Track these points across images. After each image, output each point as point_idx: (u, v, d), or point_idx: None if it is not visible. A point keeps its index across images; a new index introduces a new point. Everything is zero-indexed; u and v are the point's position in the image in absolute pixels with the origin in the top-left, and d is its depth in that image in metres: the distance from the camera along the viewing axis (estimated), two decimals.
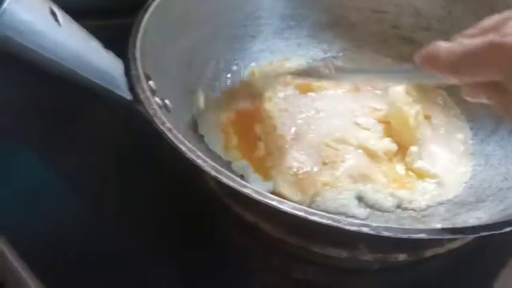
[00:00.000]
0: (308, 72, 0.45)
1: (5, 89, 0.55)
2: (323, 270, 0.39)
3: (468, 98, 0.31)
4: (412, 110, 0.44)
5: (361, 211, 0.40)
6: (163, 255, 0.40)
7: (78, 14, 0.51)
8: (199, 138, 0.43)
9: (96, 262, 0.40)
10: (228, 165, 0.42)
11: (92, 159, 0.48)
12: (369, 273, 0.39)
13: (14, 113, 0.53)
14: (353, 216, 0.39)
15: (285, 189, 0.40)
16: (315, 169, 0.42)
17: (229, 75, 0.51)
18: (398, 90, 0.45)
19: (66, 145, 0.49)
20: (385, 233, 0.27)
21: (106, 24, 0.55)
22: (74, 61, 0.31)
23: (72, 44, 0.31)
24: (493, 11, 0.47)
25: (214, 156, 0.42)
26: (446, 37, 0.51)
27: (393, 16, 0.55)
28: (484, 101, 0.29)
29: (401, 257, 0.37)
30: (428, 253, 0.37)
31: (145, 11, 0.42)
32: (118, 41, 0.39)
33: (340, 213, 0.39)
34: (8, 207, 0.44)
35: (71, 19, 0.32)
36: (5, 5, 0.27)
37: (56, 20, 0.30)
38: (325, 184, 0.41)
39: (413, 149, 0.44)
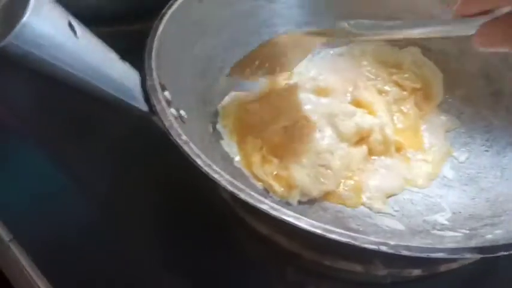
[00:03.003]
0: (331, 33, 0.44)
1: (17, 89, 0.56)
2: (336, 284, 0.39)
3: (481, 48, 0.30)
4: None
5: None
6: (174, 263, 0.40)
7: (92, 21, 0.52)
8: (215, 149, 0.43)
9: (105, 263, 0.40)
10: (243, 175, 0.42)
11: (103, 161, 0.48)
12: (383, 287, 0.39)
13: (27, 113, 0.53)
14: None
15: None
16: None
17: (243, 83, 0.51)
18: None
19: (78, 146, 0.49)
20: (404, 252, 0.27)
21: (121, 30, 0.55)
22: (91, 73, 0.31)
23: (90, 56, 0.31)
24: None
25: (229, 166, 0.42)
26: (462, 44, 0.51)
27: None
28: (499, 48, 0.29)
29: (416, 272, 0.36)
30: (442, 268, 0.37)
31: (161, 19, 0.42)
32: (133, 47, 0.39)
33: None
34: (18, 207, 0.45)
35: (88, 31, 0.31)
36: (24, 18, 0.27)
37: (74, 32, 0.30)
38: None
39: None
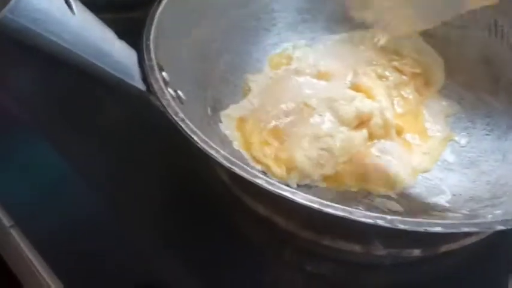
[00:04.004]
0: None
1: (24, 82, 0.56)
2: (336, 264, 0.39)
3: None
4: None
5: None
6: (175, 248, 0.40)
7: (91, 7, 0.52)
8: (213, 131, 0.43)
9: (106, 248, 0.40)
10: (242, 157, 0.42)
11: (108, 153, 0.48)
12: (382, 268, 0.39)
13: (33, 105, 0.53)
14: None
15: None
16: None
17: (242, 68, 0.51)
18: None
19: (83, 138, 0.49)
20: (401, 226, 0.27)
21: (119, 17, 0.55)
22: (89, 50, 0.31)
23: (87, 33, 0.31)
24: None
25: (227, 148, 0.42)
26: (465, 32, 0.51)
27: None
28: None
29: (416, 252, 0.36)
30: (443, 249, 0.37)
31: (160, 1, 0.42)
32: (131, 34, 0.39)
33: None
34: (19, 194, 0.45)
35: (85, 8, 0.32)
36: None
37: (71, 8, 0.30)
38: None
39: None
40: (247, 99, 0.47)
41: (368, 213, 0.28)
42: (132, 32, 0.39)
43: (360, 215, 0.27)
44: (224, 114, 0.45)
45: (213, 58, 0.48)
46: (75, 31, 0.30)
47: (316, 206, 0.28)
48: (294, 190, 0.29)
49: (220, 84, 0.47)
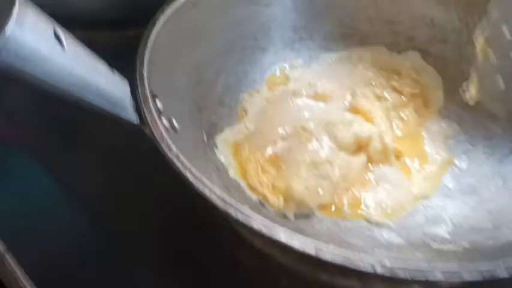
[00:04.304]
0: None
1: (13, 98, 0.55)
2: None
3: None
4: None
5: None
6: (166, 275, 0.40)
7: (86, 25, 0.51)
8: (209, 158, 0.42)
9: (99, 274, 0.40)
10: (239, 186, 0.41)
11: (96, 171, 0.47)
12: None
13: (20, 123, 0.52)
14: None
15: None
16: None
17: (238, 90, 0.50)
18: None
19: (71, 157, 0.49)
20: (401, 274, 0.26)
21: (115, 35, 0.55)
22: (79, 86, 0.30)
23: (77, 68, 0.30)
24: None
25: (223, 177, 0.41)
26: (464, 51, 0.50)
27: (407, 27, 0.53)
28: None
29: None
30: (444, 285, 0.36)
31: (154, 24, 0.41)
32: (128, 52, 0.38)
33: None
34: (11, 218, 0.44)
35: (75, 40, 0.31)
36: (8, 31, 0.26)
37: (60, 43, 0.29)
38: None
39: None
40: (243, 123, 0.46)
41: (367, 258, 0.27)
42: (129, 51, 0.38)
43: (357, 260, 0.26)
44: (220, 139, 0.44)
45: (209, 80, 0.47)
46: (65, 68, 0.29)
47: (312, 252, 0.27)
48: (291, 232, 0.28)
49: (216, 107, 0.47)
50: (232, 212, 0.29)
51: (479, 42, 0.43)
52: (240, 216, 0.29)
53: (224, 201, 0.29)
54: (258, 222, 0.28)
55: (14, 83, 0.54)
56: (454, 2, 0.49)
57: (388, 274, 0.26)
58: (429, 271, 0.26)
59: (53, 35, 0.29)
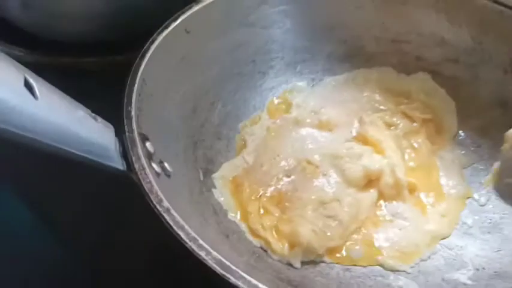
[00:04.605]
0: None
1: None
2: None
3: None
4: None
5: None
6: None
7: (76, 50, 0.48)
8: (206, 200, 0.38)
9: None
10: (239, 230, 0.37)
11: (90, 218, 0.44)
12: None
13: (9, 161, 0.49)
14: None
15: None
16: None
17: (237, 119, 0.46)
18: None
19: (58, 193, 0.45)
20: None
21: (106, 60, 0.51)
22: (56, 136, 0.27)
23: (53, 117, 0.27)
24: None
25: (221, 220, 0.37)
26: (477, 71, 0.47)
27: (416, 47, 0.50)
28: None
29: None
30: None
31: (143, 57, 0.38)
32: (118, 77, 0.35)
33: None
34: None
35: (50, 87, 0.27)
36: None
37: (32, 92, 0.25)
38: None
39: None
40: (242, 156, 0.43)
41: None
42: (117, 79, 0.35)
43: None
44: (217, 176, 0.41)
45: (204, 111, 0.43)
46: (38, 118, 0.26)
47: None
48: None
49: (213, 140, 0.43)
50: (231, 279, 0.25)
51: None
52: (240, 284, 0.25)
53: (221, 264, 0.26)
54: None
55: None
56: (465, 20, 0.46)
57: None
58: None
59: (23, 85, 0.25)
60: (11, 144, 0.27)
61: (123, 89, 0.35)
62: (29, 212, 0.45)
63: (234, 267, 0.26)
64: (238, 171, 0.42)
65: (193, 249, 0.27)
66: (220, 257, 0.26)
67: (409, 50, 0.50)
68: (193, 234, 0.27)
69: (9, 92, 0.24)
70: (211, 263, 0.26)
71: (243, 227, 0.38)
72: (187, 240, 0.27)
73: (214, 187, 0.40)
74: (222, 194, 0.39)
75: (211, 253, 0.26)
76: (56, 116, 0.27)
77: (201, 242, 0.27)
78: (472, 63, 0.47)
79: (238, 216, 0.38)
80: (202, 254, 0.26)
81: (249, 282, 0.25)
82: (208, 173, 0.41)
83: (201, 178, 0.39)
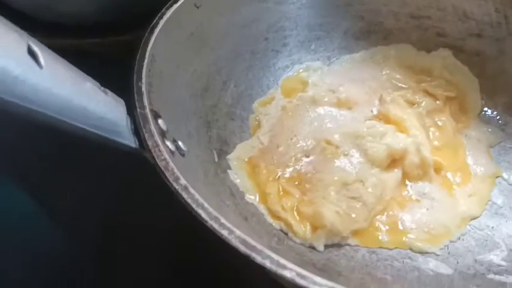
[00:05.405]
0: None
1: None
2: None
3: None
4: None
5: None
6: None
7: (77, 31, 0.46)
8: (222, 182, 0.36)
9: None
10: (257, 213, 0.35)
11: (92, 197, 0.42)
12: None
13: (5, 147, 0.47)
14: None
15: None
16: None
17: (250, 98, 0.44)
18: None
19: (63, 181, 0.43)
20: None
21: (108, 41, 0.49)
22: (62, 109, 0.25)
23: (58, 88, 0.25)
24: None
25: (239, 203, 0.35)
26: (503, 46, 0.44)
27: (437, 22, 0.47)
28: None
29: None
30: None
31: (152, 32, 0.35)
32: (122, 59, 0.33)
33: None
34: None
35: (56, 57, 0.25)
36: None
37: (36, 61, 0.23)
38: None
39: None
40: (257, 137, 0.41)
41: None
42: (122, 59, 0.33)
43: None
44: (232, 157, 0.38)
45: (217, 90, 0.41)
46: (42, 88, 0.24)
47: None
48: (333, 285, 0.22)
49: (227, 121, 0.41)
50: (257, 258, 0.23)
51: None
52: (269, 265, 0.23)
53: (247, 245, 0.24)
54: (293, 272, 0.23)
55: None
56: None
57: None
58: None
59: (27, 52, 0.23)
60: (14, 119, 0.25)
61: (128, 69, 0.33)
62: (30, 200, 0.43)
63: (259, 246, 0.24)
64: (253, 152, 0.39)
65: (214, 229, 0.25)
66: (244, 236, 0.24)
67: (429, 26, 0.47)
68: (214, 212, 0.25)
69: (12, 60, 0.22)
70: (235, 242, 0.24)
71: (262, 209, 0.36)
72: (207, 219, 0.25)
73: (230, 168, 0.38)
74: (238, 176, 0.37)
75: (234, 232, 0.24)
76: (62, 87, 0.25)
77: (223, 220, 0.25)
78: (497, 37, 0.45)
79: (257, 199, 0.36)
80: (224, 233, 0.24)
81: (277, 262, 0.23)
82: (222, 154, 0.39)
83: (216, 159, 0.37)
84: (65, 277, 0.39)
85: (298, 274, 0.23)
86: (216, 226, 0.25)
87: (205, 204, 0.26)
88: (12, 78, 0.22)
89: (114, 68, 0.34)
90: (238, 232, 0.24)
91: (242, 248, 0.24)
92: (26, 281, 0.38)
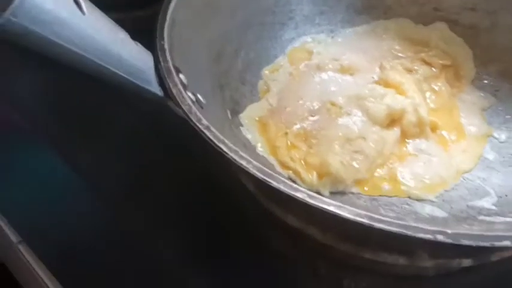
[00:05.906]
0: None
1: (21, 88, 0.53)
2: (375, 277, 0.36)
3: None
4: None
5: None
6: (196, 260, 0.37)
7: (103, 7, 0.49)
8: (236, 136, 0.39)
9: (116, 264, 0.38)
10: (268, 163, 0.39)
11: (118, 162, 0.45)
12: (426, 280, 0.36)
13: (32, 112, 0.50)
14: None
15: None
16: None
17: (259, 66, 0.47)
18: None
19: (87, 145, 0.47)
20: (465, 242, 0.24)
21: (130, 16, 0.52)
22: (100, 54, 0.28)
23: (98, 34, 0.28)
24: None
25: (252, 154, 0.39)
26: (495, 18, 0.48)
27: None
28: None
29: (466, 262, 0.33)
30: (495, 257, 0.33)
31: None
32: (143, 33, 0.36)
33: None
34: (26, 209, 0.43)
35: (95, 7, 0.28)
36: None
37: (80, 8, 0.27)
38: None
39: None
40: (266, 99, 0.44)
41: (425, 227, 0.24)
42: (144, 33, 0.36)
43: (417, 230, 0.24)
44: (243, 116, 0.42)
45: (229, 56, 0.44)
46: (85, 33, 0.27)
47: (366, 221, 0.24)
48: (339, 204, 0.25)
49: (238, 85, 0.44)
50: (274, 183, 0.26)
51: None
52: (283, 188, 0.26)
53: (264, 172, 0.27)
54: (304, 193, 0.26)
55: (21, 69, 0.52)
56: None
57: (450, 241, 0.23)
58: (495, 237, 0.24)
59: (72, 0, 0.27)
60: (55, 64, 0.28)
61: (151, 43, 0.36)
62: (62, 164, 0.46)
63: (275, 174, 0.27)
64: (263, 112, 0.43)
65: (235, 159, 0.28)
66: (260, 165, 0.27)
67: (426, 1, 0.51)
68: (233, 147, 0.28)
69: (61, 4, 0.25)
70: (253, 171, 0.27)
71: (272, 160, 0.39)
72: (228, 152, 0.28)
73: (242, 125, 0.41)
74: (249, 132, 0.40)
75: (251, 162, 0.27)
76: (101, 34, 0.28)
77: (241, 153, 0.28)
78: (491, 10, 0.48)
79: (267, 151, 0.39)
80: (243, 162, 0.27)
81: (291, 186, 0.26)
82: (235, 113, 0.42)
83: (230, 117, 0.40)
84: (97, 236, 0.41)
85: (309, 195, 0.26)
86: (236, 157, 0.28)
87: (226, 140, 0.29)
88: (60, 21, 0.25)
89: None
90: (255, 162, 0.28)
91: (259, 175, 0.27)
92: (63, 242, 0.40)
